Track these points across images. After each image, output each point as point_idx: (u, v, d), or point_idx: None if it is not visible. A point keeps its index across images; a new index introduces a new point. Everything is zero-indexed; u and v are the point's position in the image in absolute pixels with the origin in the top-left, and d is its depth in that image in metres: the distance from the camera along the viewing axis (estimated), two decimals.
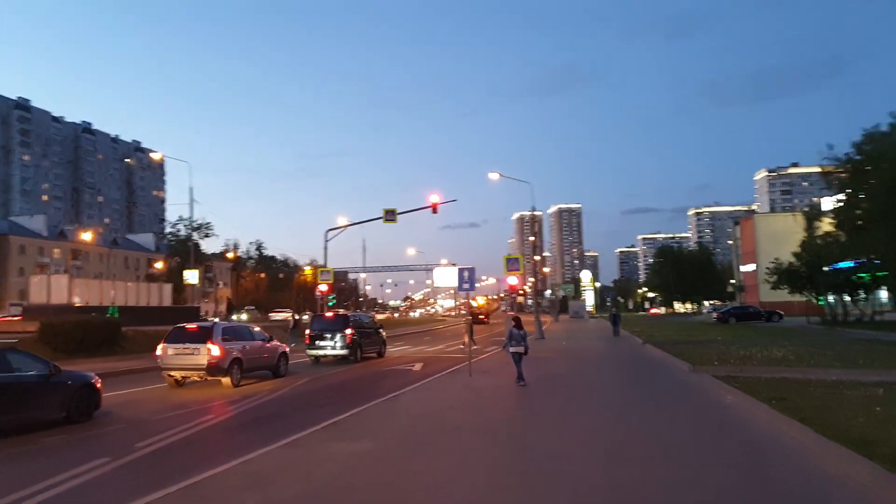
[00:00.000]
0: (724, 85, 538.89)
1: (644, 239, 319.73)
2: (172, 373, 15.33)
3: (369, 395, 13.29)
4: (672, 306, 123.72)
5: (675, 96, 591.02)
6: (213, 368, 15.02)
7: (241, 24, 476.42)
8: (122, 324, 24.50)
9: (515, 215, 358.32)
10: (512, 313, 29.97)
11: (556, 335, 39.65)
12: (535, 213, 37.11)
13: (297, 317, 39.52)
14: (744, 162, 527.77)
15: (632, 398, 12.37)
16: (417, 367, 20.64)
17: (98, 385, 11.20)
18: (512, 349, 14.41)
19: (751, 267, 69.29)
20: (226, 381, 15.38)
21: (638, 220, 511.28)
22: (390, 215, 35.02)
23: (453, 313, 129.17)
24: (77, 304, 27.91)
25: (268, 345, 17.51)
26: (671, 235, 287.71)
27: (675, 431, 8.83)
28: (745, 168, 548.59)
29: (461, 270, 16.37)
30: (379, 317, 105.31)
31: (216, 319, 34.82)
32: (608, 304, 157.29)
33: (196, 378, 15.48)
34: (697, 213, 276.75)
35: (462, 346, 30.47)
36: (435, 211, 34.86)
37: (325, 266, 35.73)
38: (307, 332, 22.98)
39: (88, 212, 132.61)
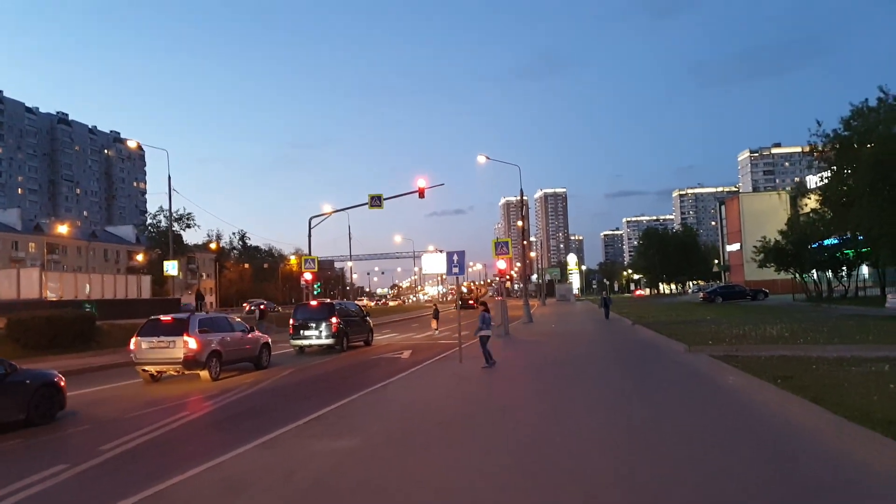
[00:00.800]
0: (710, 66, 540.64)
1: (629, 221, 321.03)
2: (147, 367, 14.56)
3: (356, 386, 12.64)
4: (657, 287, 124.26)
5: (662, 78, 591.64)
6: (190, 362, 14.28)
7: (222, 12, 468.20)
8: (98, 318, 23.59)
9: (502, 201, 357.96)
10: (500, 298, 29.47)
11: (545, 318, 39.21)
12: (524, 196, 36.44)
13: (262, 307, 38.77)
14: (728, 143, 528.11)
15: (631, 382, 11.81)
16: (406, 354, 20.02)
17: (61, 384, 10.42)
18: (480, 333, 14.82)
19: (736, 246, 69.36)
20: (204, 374, 14.65)
21: (623, 202, 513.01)
22: (376, 201, 34.17)
23: (443, 300, 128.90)
24: (50, 299, 26.92)
25: (249, 335, 16.78)
26: (655, 218, 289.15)
27: (684, 418, 8.26)
28: (729, 149, 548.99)
29: (450, 254, 15.69)
30: (371, 304, 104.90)
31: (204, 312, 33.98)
32: (594, 286, 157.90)
33: (172, 372, 14.73)
34: (681, 195, 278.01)
35: (434, 332, 29.99)
36: (422, 196, 34.07)
37: (309, 254, 34.84)
38: (291, 321, 22.23)
39: (66, 205, 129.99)
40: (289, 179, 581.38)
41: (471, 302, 72.19)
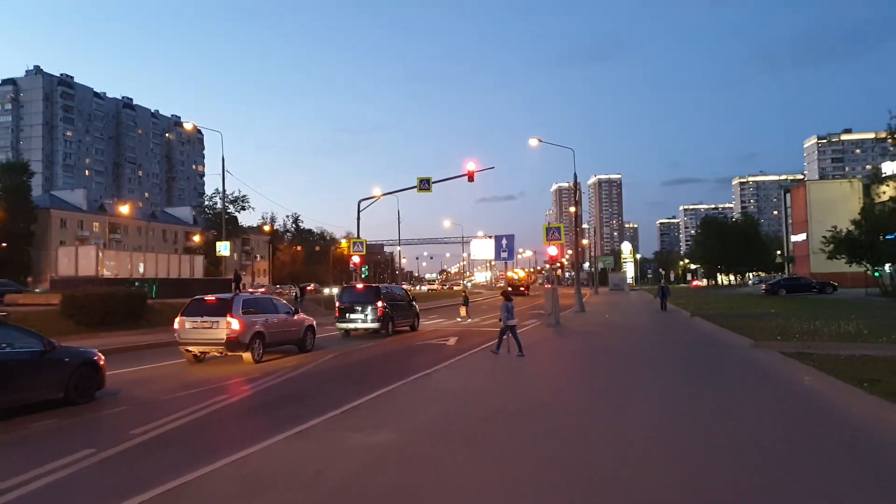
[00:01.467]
0: (774, 50, 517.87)
1: (686, 210, 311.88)
2: (190, 348, 14.42)
3: (398, 374, 12.12)
4: (715, 278, 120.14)
5: (722, 61, 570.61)
6: (233, 343, 14.04)
7: (280, 4, 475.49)
8: (153, 296, 23.88)
9: (553, 187, 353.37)
10: (549, 286, 28.57)
11: (597, 308, 38.02)
12: (577, 181, 35.22)
13: (309, 287, 38.36)
14: (792, 130, 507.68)
15: (694, 379, 10.88)
16: (452, 341, 19.44)
17: (101, 363, 10.24)
18: (509, 322, 14.69)
19: (801, 237, 65.96)
20: (247, 356, 14.40)
21: (679, 190, 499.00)
22: (425, 184, 33.60)
23: (491, 286, 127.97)
24: (106, 276, 27.49)
25: (293, 318, 16.49)
26: (714, 206, 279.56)
27: (759, 424, 7.37)
28: (792, 136, 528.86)
29: (499, 238, 15.03)
30: (422, 289, 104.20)
31: (255, 291, 34.01)
32: (649, 276, 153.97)
33: (216, 353, 14.55)
34: (742, 183, 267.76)
35: (462, 320, 29.27)
36: (471, 179, 33.29)
37: (358, 237, 34.64)
38: (336, 304, 21.96)
39: (129, 186, 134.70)
40: (341, 165, 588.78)
41: (521, 289, 71.23)
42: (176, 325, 14.58)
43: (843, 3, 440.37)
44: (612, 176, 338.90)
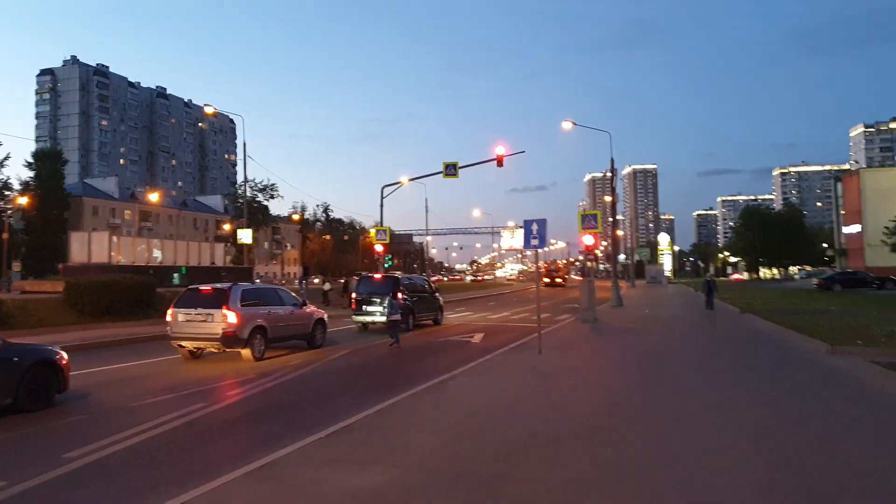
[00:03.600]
0: (813, 35, 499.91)
1: (724, 201, 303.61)
2: (183, 343, 12.92)
3: (410, 379, 10.42)
4: (757, 272, 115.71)
5: (759, 48, 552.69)
6: (229, 338, 12.50)
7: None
8: (182, 284, 22.58)
9: (587, 177, 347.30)
10: (581, 277, 26.75)
11: (636, 302, 35.78)
12: (614, 167, 33.01)
13: (304, 278, 36.50)
14: (833, 119, 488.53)
15: (765, 395, 8.85)
16: (477, 338, 17.66)
17: (62, 363, 8.74)
18: (391, 317, 15.11)
19: (855, 228, 62.19)
20: (245, 353, 12.86)
21: (716, 181, 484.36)
22: (451, 169, 31.74)
23: (523, 278, 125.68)
24: (122, 264, 26.43)
25: (301, 311, 14.89)
26: (753, 197, 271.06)
27: (876, 467, 5.43)
28: (834, 125, 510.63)
29: (528, 223, 13.07)
30: (467, 280, 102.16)
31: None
32: (688, 268, 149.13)
33: (213, 349, 13.03)
34: (783, 174, 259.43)
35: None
36: (500, 164, 31.35)
37: (381, 224, 33.04)
38: (353, 295, 20.35)
39: (163, 175, 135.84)
40: (371, 155, 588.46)
41: (557, 280, 68.77)
42: (168, 318, 13.10)
43: None
44: (647, 166, 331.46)
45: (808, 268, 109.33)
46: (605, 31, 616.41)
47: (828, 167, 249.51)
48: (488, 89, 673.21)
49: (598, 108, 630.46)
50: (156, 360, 13.24)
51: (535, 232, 12.81)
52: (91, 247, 25.31)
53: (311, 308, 15.69)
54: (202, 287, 13.29)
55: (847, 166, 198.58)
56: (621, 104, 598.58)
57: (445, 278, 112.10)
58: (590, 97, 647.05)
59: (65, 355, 8.94)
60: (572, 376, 10.63)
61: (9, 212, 67.52)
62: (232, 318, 12.52)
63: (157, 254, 28.93)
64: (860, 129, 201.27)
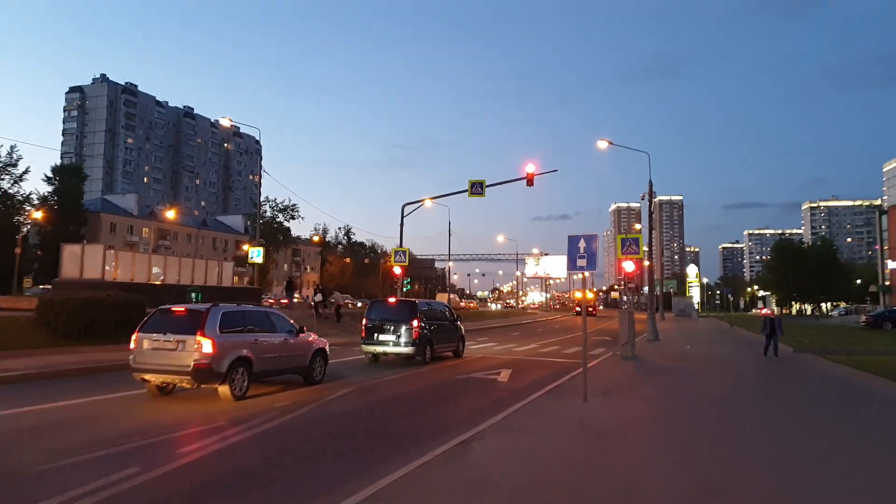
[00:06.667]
0: (844, 70, 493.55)
1: (750, 234, 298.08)
2: (147, 376, 10.60)
3: (423, 436, 8.02)
4: (789, 307, 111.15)
5: (786, 83, 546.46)
6: (203, 372, 10.16)
7: (337, 19, 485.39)
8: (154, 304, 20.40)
9: (612, 207, 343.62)
10: (615, 308, 24.18)
11: (672, 336, 32.92)
12: (653, 189, 30.53)
13: (290, 293, 33.54)
14: (863, 154, 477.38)
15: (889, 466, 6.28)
16: (504, 375, 15.13)
17: None
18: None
19: None
20: (223, 390, 10.50)
21: (742, 215, 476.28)
22: (477, 188, 29.52)
23: (549, 307, 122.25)
24: (118, 280, 24.45)
25: (296, 340, 12.52)
26: (781, 231, 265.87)
27: None
28: (865, 160, 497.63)
29: (574, 239, 10.64)
30: (494, 307, 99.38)
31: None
32: (717, 301, 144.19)
33: (185, 385, 10.69)
34: (812, 208, 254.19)
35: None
36: (530, 183, 29.07)
37: (400, 245, 30.79)
38: (364, 321, 18.00)
39: (186, 194, 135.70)
40: (395, 180, 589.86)
41: (590, 309, 66.08)
42: (132, 344, 10.82)
43: None
44: (674, 197, 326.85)
45: (844, 304, 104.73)
46: (633, 63, 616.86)
47: (859, 202, 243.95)
48: (513, 118, 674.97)
49: (624, 138, 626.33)
50: (117, 397, 10.95)
51: (583, 250, 10.36)
52: (84, 261, 23.38)
53: (311, 337, 13.33)
54: (174, 308, 11.01)
55: (879, 202, 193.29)
56: (647, 136, 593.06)
57: (473, 303, 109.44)
58: (615, 129, 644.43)
59: None
60: (634, 437, 8.10)
61: (25, 227, 66.96)
62: (207, 346, 10.20)
63: (156, 270, 26.95)
64: (894, 163, 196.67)
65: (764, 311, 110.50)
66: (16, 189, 64.91)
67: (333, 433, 8.49)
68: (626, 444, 7.66)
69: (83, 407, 9.93)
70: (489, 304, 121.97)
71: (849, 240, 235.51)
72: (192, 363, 10.11)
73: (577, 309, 62.45)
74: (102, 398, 10.68)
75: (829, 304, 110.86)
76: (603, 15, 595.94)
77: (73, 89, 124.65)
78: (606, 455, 7.08)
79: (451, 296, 79.17)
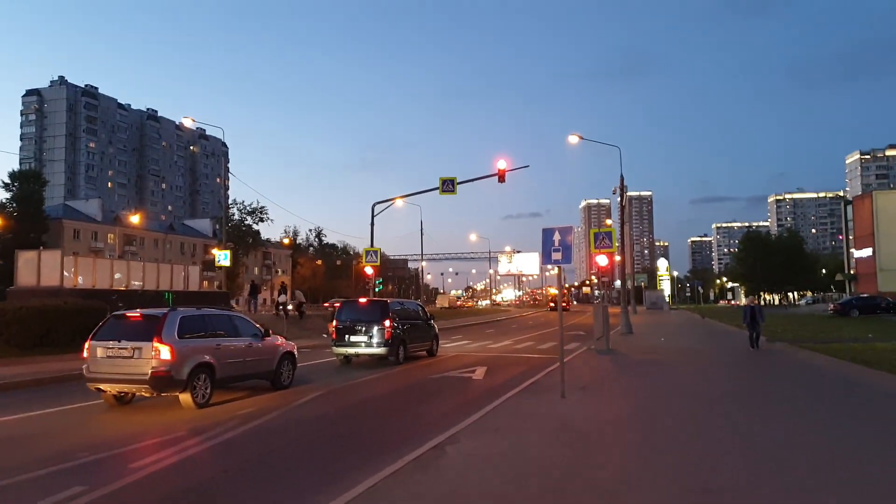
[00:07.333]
0: (808, 66, 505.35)
1: (719, 228, 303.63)
2: (102, 386, 9.98)
3: (394, 440, 7.61)
4: (757, 297, 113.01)
5: (752, 79, 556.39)
6: (161, 380, 9.59)
7: (304, 21, 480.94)
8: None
9: (582, 203, 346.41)
10: (596, 302, 24.17)
11: (645, 329, 32.91)
12: (624, 183, 30.49)
13: (254, 296, 34.47)
14: (826, 147, 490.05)
15: None
16: (479, 373, 14.78)
17: None
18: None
19: (866, 252, 59.69)
20: (184, 398, 9.95)
21: (709, 209, 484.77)
22: (448, 185, 29.19)
23: (520, 303, 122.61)
24: (79, 287, 23.48)
25: (262, 344, 11.98)
26: (748, 224, 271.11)
27: None
28: (828, 154, 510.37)
29: (549, 232, 10.31)
30: (502, 298, 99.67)
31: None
32: (688, 294, 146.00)
33: (144, 394, 10.10)
34: (778, 201, 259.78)
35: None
36: (502, 179, 28.80)
37: (371, 245, 30.23)
38: (334, 323, 17.49)
39: (152, 199, 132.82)
40: (367, 182, 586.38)
41: (563, 305, 66.19)
42: (85, 353, 10.19)
43: (879, 18, 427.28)
44: (643, 193, 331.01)
45: (810, 293, 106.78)
46: (603, 61, 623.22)
47: (823, 194, 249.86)
48: (485, 117, 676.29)
49: (594, 136, 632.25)
50: (70, 408, 10.31)
51: (558, 243, 10.04)
52: (41, 268, 22.40)
53: (278, 340, 12.80)
54: (129, 313, 10.40)
55: (842, 193, 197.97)
56: (616, 132, 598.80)
57: (470, 302, 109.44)
58: (584, 126, 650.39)
59: None
60: (616, 436, 7.78)
61: None
62: (165, 353, 9.64)
63: (118, 276, 25.97)
64: (856, 155, 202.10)
65: (733, 303, 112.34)
66: None
67: (298, 443, 8.02)
68: (609, 444, 7.33)
69: (31, 421, 9.31)
70: (476, 303, 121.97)
71: (813, 230, 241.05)
72: (149, 371, 9.54)
73: (552, 304, 62.47)
74: (54, 411, 10.04)
75: (796, 293, 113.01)
76: (571, 12, 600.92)
77: (29, 92, 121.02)
78: (588, 456, 6.73)
79: (451, 295, 78.94)
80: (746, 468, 6.17)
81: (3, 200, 66.79)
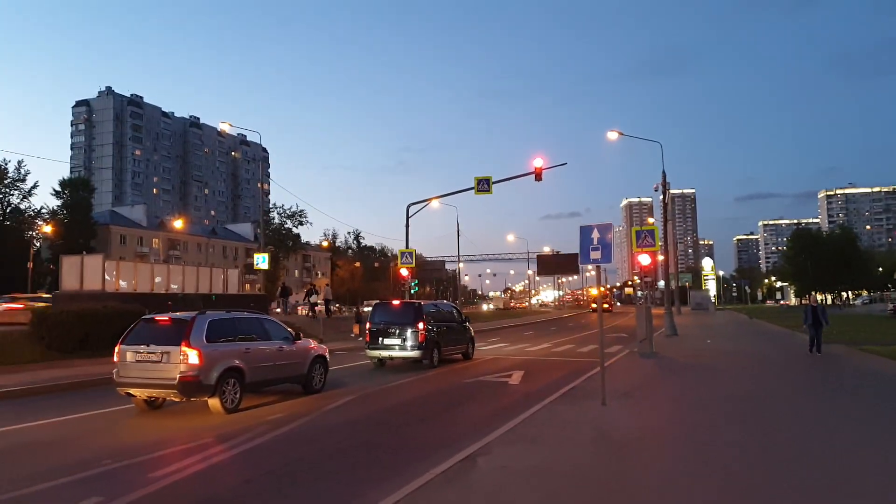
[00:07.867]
0: (857, 56, 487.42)
1: (766, 225, 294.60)
2: (131, 391, 9.88)
3: (424, 449, 7.24)
4: (809, 298, 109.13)
5: (799, 73, 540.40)
6: (190, 385, 9.43)
7: (342, 25, 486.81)
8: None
9: (623, 202, 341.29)
10: (637, 303, 23.50)
11: (690, 331, 31.84)
12: (667, 180, 29.59)
13: (284, 297, 35.32)
14: (879, 140, 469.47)
15: None
16: (515, 377, 14.32)
17: None
18: None
19: None
20: (213, 403, 9.78)
21: (755, 206, 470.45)
22: (483, 185, 28.82)
23: (560, 304, 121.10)
24: (121, 291, 23.85)
25: (293, 347, 11.77)
26: (797, 221, 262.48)
27: None
28: (881, 147, 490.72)
29: (586, 230, 9.81)
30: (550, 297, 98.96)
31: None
32: (734, 294, 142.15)
33: (173, 398, 9.97)
34: (829, 196, 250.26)
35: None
36: (539, 178, 28.24)
37: (406, 247, 30.03)
38: (367, 325, 17.26)
39: (195, 204, 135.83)
40: (403, 183, 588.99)
41: (606, 305, 65.15)
42: (115, 357, 10.12)
43: None
44: (686, 191, 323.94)
45: (865, 293, 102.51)
46: (640, 58, 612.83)
47: (877, 189, 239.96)
48: (520, 117, 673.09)
49: (633, 134, 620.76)
50: (101, 413, 10.25)
51: (596, 241, 9.53)
52: (84, 272, 22.83)
53: (310, 344, 12.60)
54: (158, 317, 10.29)
55: None
56: (657, 130, 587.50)
57: (523, 303, 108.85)
58: (626, 124, 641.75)
59: None
60: (660, 449, 7.25)
61: (37, 242, 67.06)
62: (193, 357, 9.48)
63: (158, 280, 26.34)
64: None
65: (783, 304, 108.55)
66: (26, 204, 65.12)
67: (326, 450, 7.71)
68: (651, 458, 6.81)
69: (60, 426, 9.25)
70: (529, 304, 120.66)
71: (868, 227, 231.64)
72: (177, 376, 9.39)
73: (593, 305, 61.37)
74: (86, 415, 9.99)
75: (850, 292, 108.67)
76: (608, 10, 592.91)
77: (79, 103, 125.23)
78: (627, 474, 6.23)
79: (503, 296, 78.54)
80: (805, 486, 5.59)
81: (55, 208, 69.18)
